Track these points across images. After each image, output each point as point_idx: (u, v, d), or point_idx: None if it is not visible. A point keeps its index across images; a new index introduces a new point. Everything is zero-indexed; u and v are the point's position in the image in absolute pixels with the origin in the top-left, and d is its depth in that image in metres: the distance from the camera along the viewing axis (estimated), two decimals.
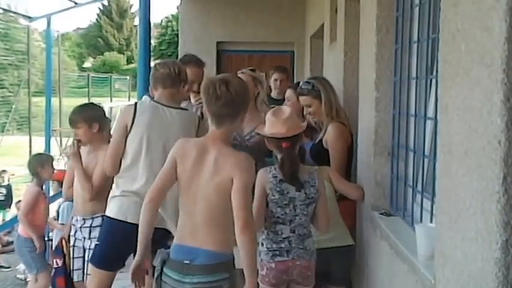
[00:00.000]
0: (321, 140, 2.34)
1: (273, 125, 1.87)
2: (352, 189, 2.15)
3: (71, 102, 14.72)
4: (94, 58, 27.24)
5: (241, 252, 1.54)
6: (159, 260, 1.62)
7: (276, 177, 1.82)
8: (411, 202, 1.79)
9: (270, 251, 1.84)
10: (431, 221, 1.51)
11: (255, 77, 2.53)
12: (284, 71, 3.69)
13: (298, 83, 2.62)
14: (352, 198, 2.16)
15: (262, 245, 1.85)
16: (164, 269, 1.60)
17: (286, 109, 1.95)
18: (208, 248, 1.56)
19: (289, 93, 2.76)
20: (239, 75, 2.55)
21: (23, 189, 5.45)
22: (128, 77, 18.96)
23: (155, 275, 1.62)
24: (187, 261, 1.56)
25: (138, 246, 1.61)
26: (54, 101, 8.99)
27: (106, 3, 25.49)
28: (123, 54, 26.71)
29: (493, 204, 0.95)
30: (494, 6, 0.94)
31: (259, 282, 1.82)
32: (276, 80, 3.55)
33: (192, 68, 2.47)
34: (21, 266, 4.40)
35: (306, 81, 2.47)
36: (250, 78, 2.48)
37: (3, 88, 10.03)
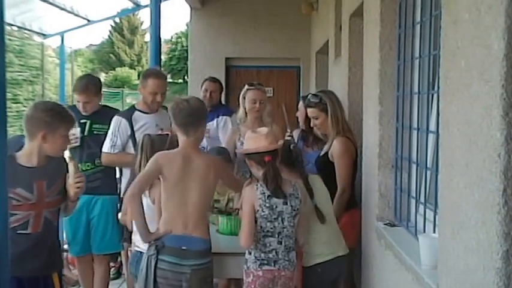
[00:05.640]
0: (326, 153, 2.38)
1: (255, 140, 1.91)
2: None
3: None
4: (106, 73, 27.61)
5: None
6: (153, 248, 1.86)
7: (264, 193, 1.87)
8: (414, 213, 1.81)
9: (258, 259, 1.88)
10: (434, 232, 1.52)
11: (264, 91, 2.94)
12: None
13: (307, 95, 2.68)
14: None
15: (250, 253, 1.89)
16: (160, 256, 1.85)
17: (263, 128, 2.05)
18: (199, 236, 1.88)
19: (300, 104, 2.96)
20: (248, 88, 2.89)
21: None
22: (139, 92, 19.19)
23: (150, 263, 1.84)
24: (185, 247, 1.86)
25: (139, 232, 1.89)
26: None
27: (118, 20, 26.05)
28: (135, 69, 27.05)
29: (493, 216, 0.97)
30: (493, 24, 0.97)
31: None
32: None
33: (153, 80, 2.78)
34: None
35: (314, 94, 2.53)
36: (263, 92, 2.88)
37: (18, 103, 10.22)
